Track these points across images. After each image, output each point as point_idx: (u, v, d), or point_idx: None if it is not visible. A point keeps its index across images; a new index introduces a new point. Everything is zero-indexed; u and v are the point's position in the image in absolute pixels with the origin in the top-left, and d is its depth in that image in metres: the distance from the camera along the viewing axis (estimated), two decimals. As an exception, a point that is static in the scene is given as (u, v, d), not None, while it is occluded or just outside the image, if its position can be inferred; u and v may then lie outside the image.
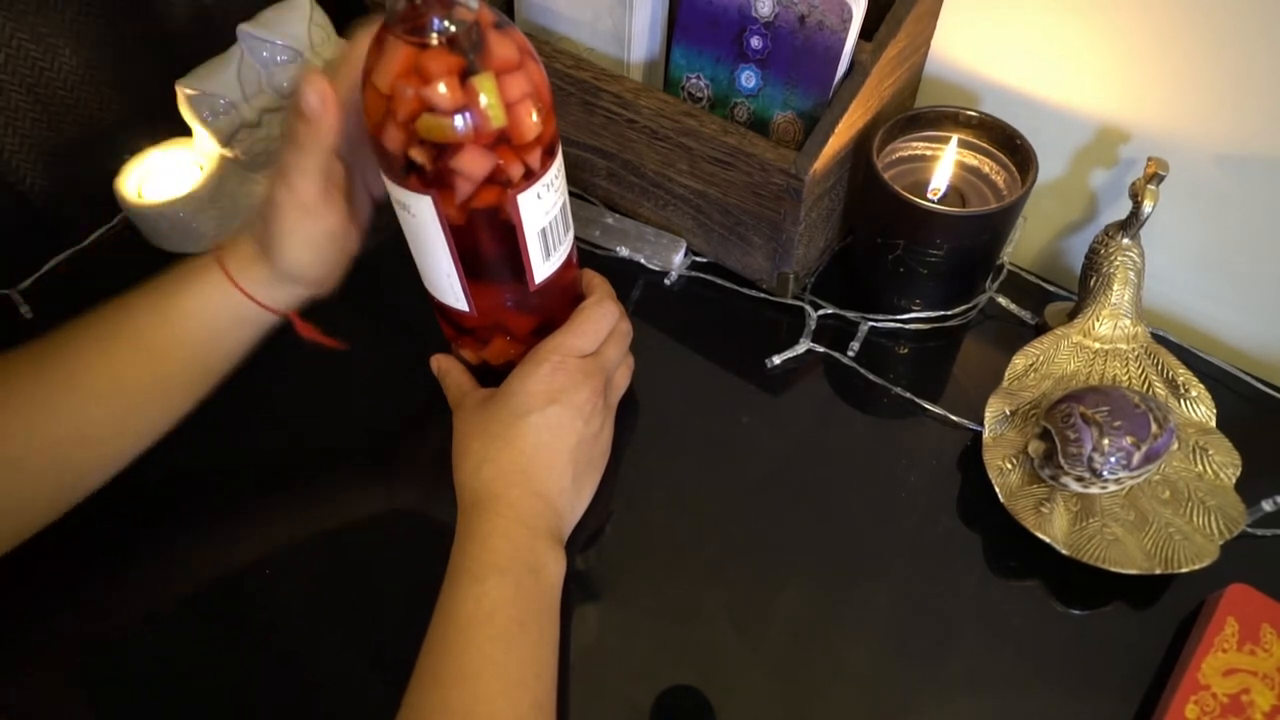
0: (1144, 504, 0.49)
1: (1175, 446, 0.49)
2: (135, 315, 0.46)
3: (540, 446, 0.46)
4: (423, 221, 0.41)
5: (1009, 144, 0.55)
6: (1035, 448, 0.49)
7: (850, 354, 0.58)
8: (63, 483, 0.46)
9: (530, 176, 0.41)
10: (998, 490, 0.49)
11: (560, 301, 0.49)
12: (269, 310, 0.47)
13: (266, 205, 0.44)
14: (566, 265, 0.48)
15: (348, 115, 0.42)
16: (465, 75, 0.37)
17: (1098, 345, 0.54)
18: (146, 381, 0.46)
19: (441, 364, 0.52)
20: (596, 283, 0.52)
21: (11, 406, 0.44)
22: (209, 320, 0.46)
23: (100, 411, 0.45)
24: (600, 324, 0.49)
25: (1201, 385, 0.52)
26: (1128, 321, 0.53)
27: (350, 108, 0.42)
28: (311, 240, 0.44)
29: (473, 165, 0.38)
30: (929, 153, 0.57)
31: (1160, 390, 0.52)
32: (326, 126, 0.41)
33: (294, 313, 0.48)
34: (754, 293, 0.61)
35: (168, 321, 0.46)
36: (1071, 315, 0.56)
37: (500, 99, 0.38)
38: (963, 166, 0.57)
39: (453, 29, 0.36)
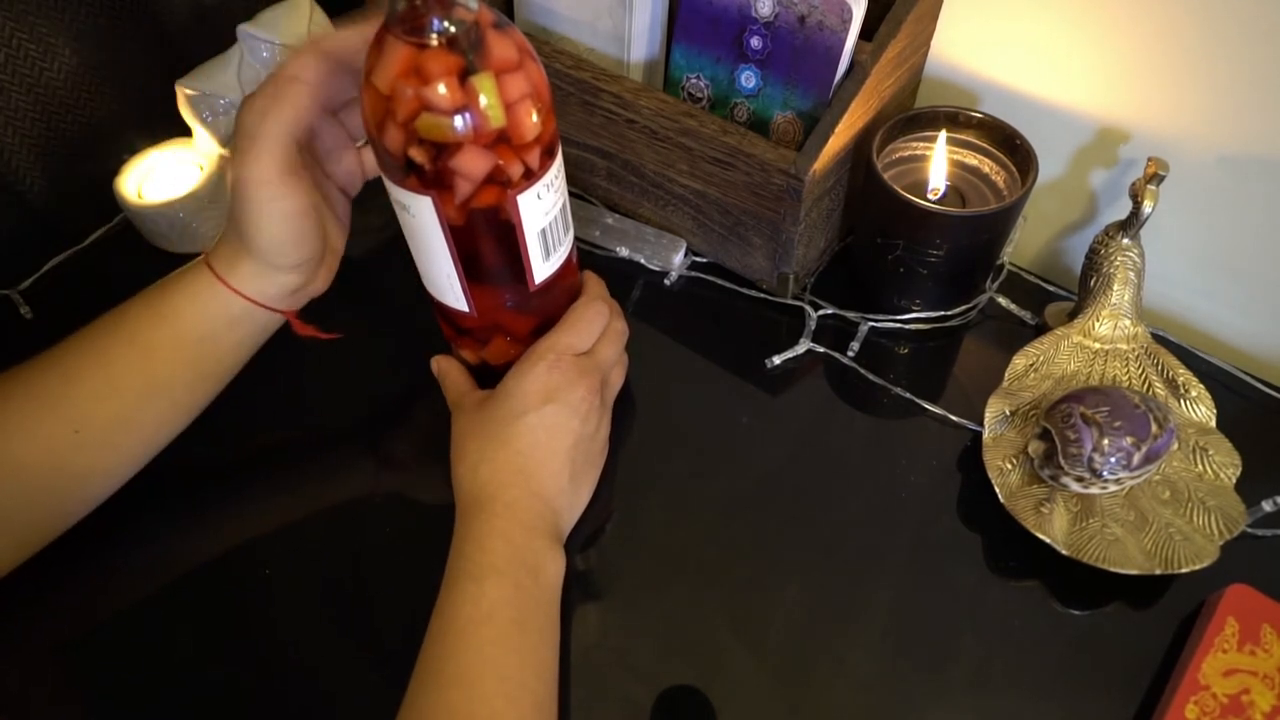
0: (1144, 504, 0.49)
1: (1175, 446, 0.49)
2: (129, 317, 0.46)
3: (537, 446, 0.46)
4: (423, 222, 0.41)
5: (1009, 144, 0.55)
6: (1035, 448, 0.49)
7: (850, 354, 0.58)
8: (63, 489, 0.46)
9: (530, 177, 0.41)
10: (998, 490, 0.49)
11: (560, 302, 0.49)
12: (260, 305, 0.47)
13: (233, 185, 0.43)
14: (566, 266, 0.48)
15: (315, 93, 0.41)
16: (465, 75, 0.37)
17: (1098, 345, 0.54)
18: (143, 383, 0.46)
19: (440, 365, 0.52)
20: (591, 282, 0.52)
21: (9, 406, 0.44)
22: (201, 320, 0.46)
23: (98, 413, 0.45)
24: (594, 322, 0.49)
25: (1201, 385, 0.52)
26: (1128, 321, 0.53)
27: (321, 90, 0.41)
28: (282, 217, 0.43)
29: (472, 165, 0.38)
30: (929, 153, 0.57)
31: (1160, 390, 0.52)
32: (306, 79, 0.40)
33: (290, 313, 0.48)
34: (754, 293, 0.61)
35: (162, 322, 0.46)
36: (1071, 315, 0.56)
37: (500, 99, 0.38)
38: (963, 166, 0.57)
39: (452, 29, 0.36)
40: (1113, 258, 0.52)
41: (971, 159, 0.57)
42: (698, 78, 0.58)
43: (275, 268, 0.46)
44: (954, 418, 0.54)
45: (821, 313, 0.59)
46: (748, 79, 0.56)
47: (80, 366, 0.45)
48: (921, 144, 0.57)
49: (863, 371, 0.57)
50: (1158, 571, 0.46)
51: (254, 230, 0.43)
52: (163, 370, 0.47)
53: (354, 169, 0.48)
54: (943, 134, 0.56)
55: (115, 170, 0.63)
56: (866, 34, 0.52)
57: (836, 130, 0.51)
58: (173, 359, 0.47)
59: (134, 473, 0.49)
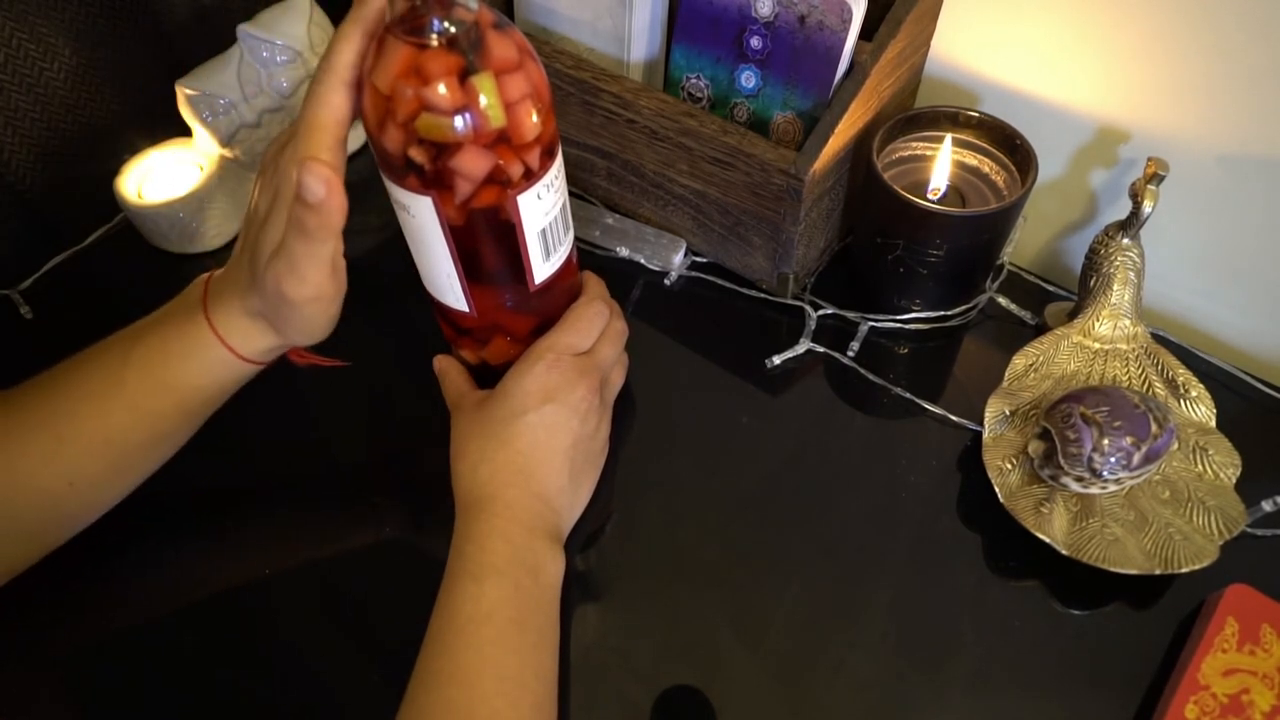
0: (1144, 504, 0.49)
1: (1175, 446, 0.49)
2: (128, 382, 0.44)
3: (537, 445, 0.46)
4: (422, 222, 0.41)
5: (1009, 144, 0.55)
6: (1035, 448, 0.49)
7: (850, 354, 0.58)
8: (51, 527, 0.46)
9: (530, 177, 0.41)
10: (998, 490, 0.49)
11: (560, 302, 0.49)
12: (270, 364, 0.47)
13: (277, 301, 0.41)
14: (566, 266, 0.48)
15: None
16: (465, 75, 0.37)
17: (1098, 345, 0.54)
18: (141, 439, 0.46)
19: (440, 364, 0.52)
20: (591, 283, 0.52)
21: (2, 457, 0.43)
22: (212, 386, 0.46)
23: (92, 465, 0.45)
24: (593, 322, 0.49)
25: (1201, 385, 0.52)
26: (1128, 321, 0.53)
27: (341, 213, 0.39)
28: (330, 319, 0.44)
29: (472, 165, 0.38)
30: (929, 153, 0.57)
31: (1160, 390, 0.52)
32: (336, 211, 0.38)
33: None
34: (754, 293, 0.61)
35: (166, 391, 0.45)
36: (1071, 315, 0.56)
37: (500, 99, 0.38)
38: (963, 166, 0.57)
39: (452, 29, 0.36)
40: (1113, 258, 0.52)
41: (971, 159, 0.57)
42: (698, 78, 0.58)
43: (299, 344, 0.46)
44: (954, 418, 0.54)
45: (821, 313, 0.59)
46: (748, 79, 0.56)
47: (77, 428, 0.44)
48: (921, 144, 0.57)
49: (863, 371, 0.57)
50: (1158, 571, 0.46)
51: (300, 335, 0.44)
52: (165, 428, 0.46)
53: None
54: (948, 137, 0.56)
55: (115, 170, 0.63)
56: (866, 34, 0.52)
57: (836, 130, 0.51)
58: (177, 419, 0.46)
59: (122, 498, 0.48)
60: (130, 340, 0.45)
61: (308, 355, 0.48)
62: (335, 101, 0.38)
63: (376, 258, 0.63)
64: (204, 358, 0.44)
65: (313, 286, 0.40)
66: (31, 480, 0.44)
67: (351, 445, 0.56)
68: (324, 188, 0.37)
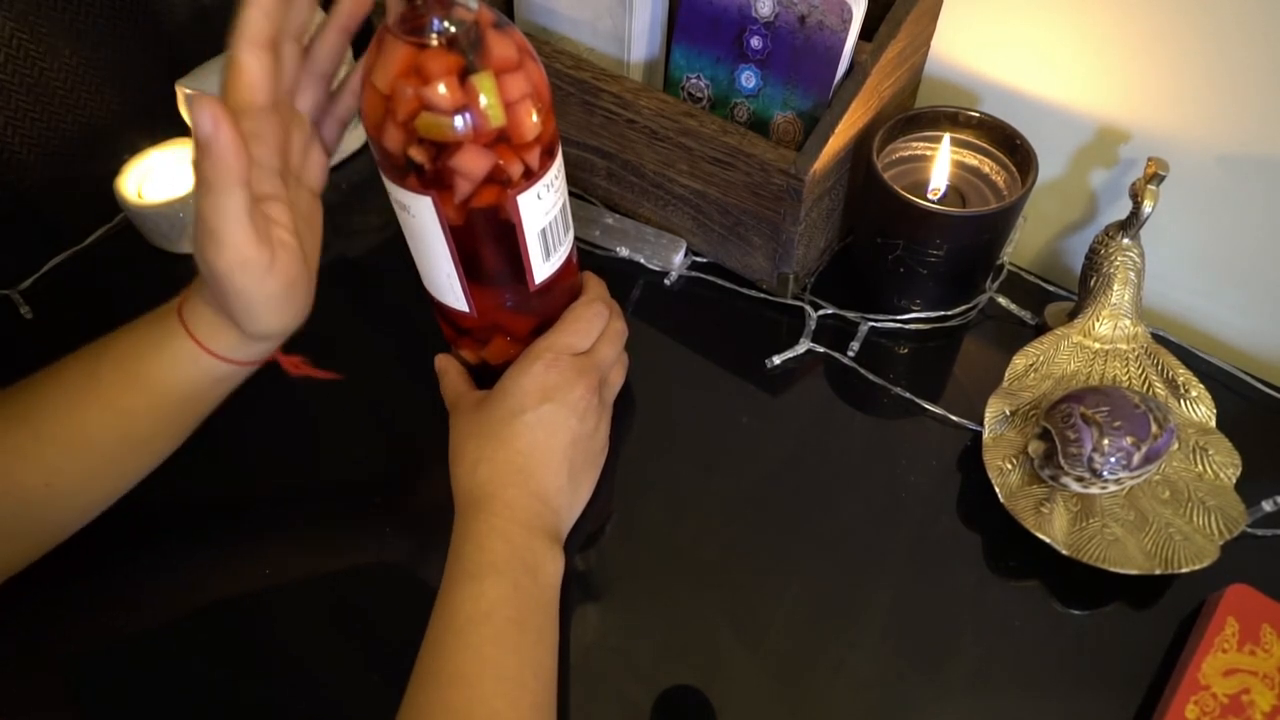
0: (1144, 504, 0.49)
1: (1175, 446, 0.49)
2: (102, 380, 0.43)
3: (535, 445, 0.46)
4: (422, 222, 0.41)
5: (1009, 144, 0.55)
6: (1035, 448, 0.49)
7: (850, 354, 0.58)
8: (31, 534, 0.45)
9: (530, 176, 0.41)
10: (998, 490, 0.49)
11: (560, 302, 0.49)
12: (248, 365, 0.45)
13: (208, 275, 0.38)
14: (566, 266, 0.48)
15: (260, 117, 0.38)
16: (465, 75, 0.37)
17: (1098, 345, 0.54)
18: (117, 439, 0.44)
19: (441, 364, 0.52)
20: (592, 283, 0.52)
21: None
22: (183, 384, 0.44)
23: (70, 465, 0.44)
24: (592, 322, 0.49)
25: (1201, 385, 0.52)
26: (1128, 321, 0.53)
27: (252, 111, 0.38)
28: (275, 299, 0.40)
29: (472, 164, 0.38)
30: (929, 153, 0.57)
31: (1160, 390, 0.52)
32: (230, 149, 0.34)
33: (277, 352, 0.46)
34: (754, 293, 0.61)
35: (138, 388, 0.43)
36: (1071, 315, 0.56)
37: (499, 98, 0.38)
38: (963, 166, 0.57)
39: (452, 29, 0.36)
40: (1113, 258, 0.52)
41: (971, 159, 0.57)
42: (698, 78, 0.58)
43: (271, 338, 0.44)
44: (954, 418, 0.54)
45: (821, 313, 0.59)
46: (748, 79, 0.56)
47: (53, 425, 0.43)
48: (921, 144, 0.57)
49: (863, 371, 0.57)
50: (1158, 571, 0.46)
51: (245, 318, 0.40)
52: (141, 429, 0.45)
53: (318, 161, 0.44)
54: (946, 136, 0.56)
55: (115, 170, 0.63)
56: (866, 34, 0.52)
57: (836, 130, 0.51)
58: (152, 420, 0.45)
59: (100, 512, 0.47)
60: (109, 339, 0.44)
61: (302, 366, 0.47)
62: (241, 61, 0.38)
63: (376, 258, 0.63)
64: (174, 352, 0.43)
65: (231, 249, 0.37)
66: (8, 478, 0.43)
67: (351, 446, 0.56)
68: (210, 122, 0.34)
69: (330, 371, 0.47)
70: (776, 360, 0.58)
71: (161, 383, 0.43)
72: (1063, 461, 0.47)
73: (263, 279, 0.39)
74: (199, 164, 0.35)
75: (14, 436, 0.43)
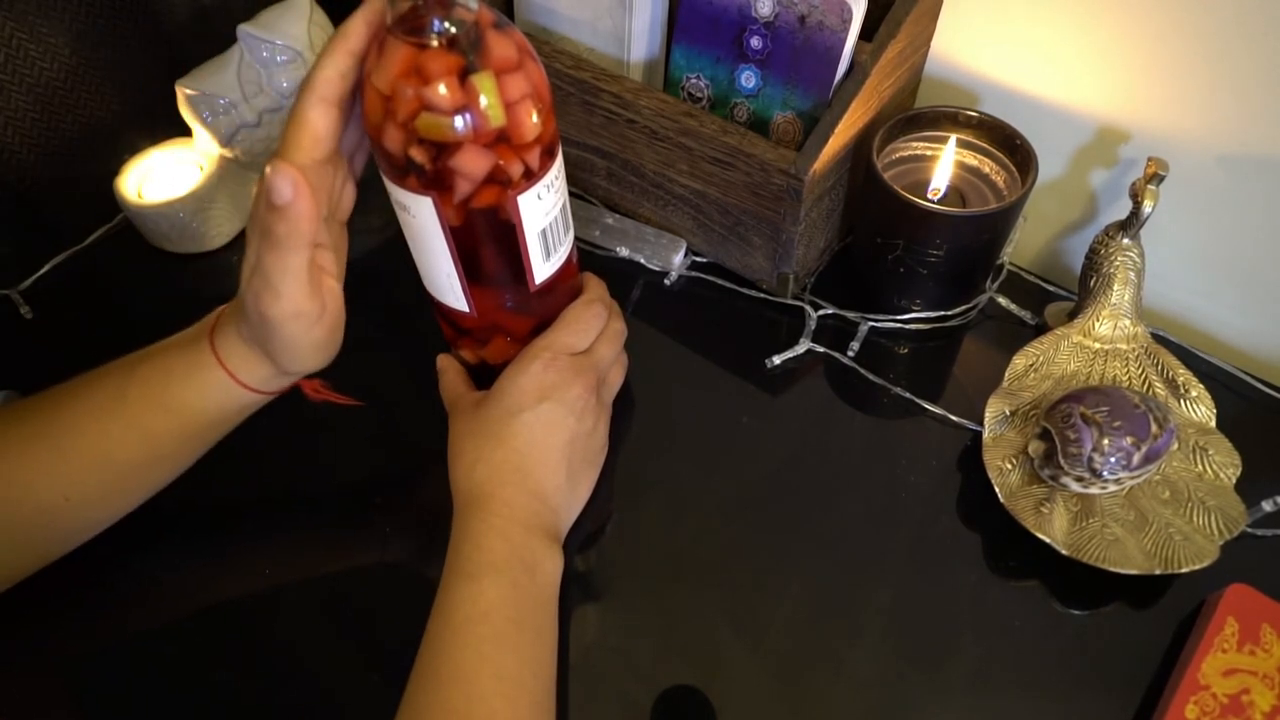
0: (1144, 504, 0.49)
1: (1175, 446, 0.49)
2: (130, 404, 0.44)
3: (534, 444, 0.46)
4: (422, 222, 0.41)
5: (1009, 144, 0.55)
6: (1035, 448, 0.49)
7: (850, 354, 0.58)
8: (45, 540, 0.46)
9: (530, 177, 0.41)
10: (998, 490, 0.49)
11: (561, 303, 0.49)
12: (276, 394, 0.47)
13: (258, 321, 0.40)
14: (567, 266, 0.48)
15: (324, 173, 0.38)
16: (465, 75, 0.37)
17: (1098, 345, 0.54)
18: (139, 458, 0.45)
19: (441, 364, 0.52)
20: (591, 284, 0.52)
21: (2, 469, 0.43)
22: (211, 411, 0.45)
23: (90, 480, 0.44)
24: (590, 322, 0.49)
25: (1201, 385, 0.52)
26: (1128, 321, 0.53)
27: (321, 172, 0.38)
28: (316, 343, 0.42)
29: (472, 165, 0.38)
30: (929, 153, 0.57)
31: (1160, 390, 0.52)
32: (305, 216, 0.36)
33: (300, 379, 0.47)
34: (754, 293, 0.61)
35: (166, 412, 0.44)
36: (1071, 315, 0.56)
37: (500, 99, 0.38)
38: (963, 166, 0.57)
39: (452, 29, 0.36)
40: (1113, 258, 0.52)
41: (971, 159, 0.57)
42: (698, 78, 0.58)
43: (303, 374, 0.45)
44: (954, 418, 0.54)
45: (821, 313, 0.59)
46: (748, 79, 0.56)
47: (76, 440, 0.43)
48: (922, 144, 0.57)
49: (863, 371, 0.57)
50: (1158, 571, 0.46)
51: (287, 359, 0.42)
52: (164, 449, 0.46)
53: (350, 195, 0.44)
54: (953, 138, 0.56)
55: (115, 170, 0.63)
56: (866, 34, 0.52)
57: (836, 130, 0.51)
58: (176, 442, 0.46)
59: (119, 519, 0.48)
60: (138, 360, 0.45)
61: (323, 390, 0.48)
62: (311, 118, 0.37)
63: (376, 258, 0.63)
64: (205, 381, 0.44)
65: (289, 301, 0.39)
66: (29, 491, 0.43)
67: (351, 447, 0.56)
68: (290, 189, 0.36)
69: (350, 398, 0.48)
70: (776, 360, 0.58)
71: (189, 408, 0.44)
72: (1063, 461, 0.47)
73: (311, 327, 0.41)
74: (269, 222, 0.36)
75: (35, 450, 0.43)
